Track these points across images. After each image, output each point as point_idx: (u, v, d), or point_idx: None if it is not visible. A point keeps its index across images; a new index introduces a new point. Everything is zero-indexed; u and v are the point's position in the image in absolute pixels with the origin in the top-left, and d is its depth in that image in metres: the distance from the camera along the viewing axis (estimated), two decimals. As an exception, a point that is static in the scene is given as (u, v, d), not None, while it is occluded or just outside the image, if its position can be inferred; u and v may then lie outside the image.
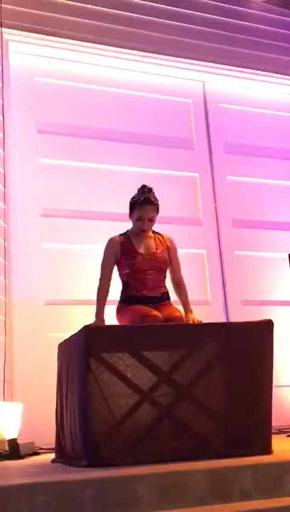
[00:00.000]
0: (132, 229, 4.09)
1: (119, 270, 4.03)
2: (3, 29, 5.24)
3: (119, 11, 5.71)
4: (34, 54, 5.45)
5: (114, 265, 4.04)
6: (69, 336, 3.62)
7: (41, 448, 4.44)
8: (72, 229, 5.27)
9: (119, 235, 4.08)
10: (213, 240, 5.79)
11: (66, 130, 5.45)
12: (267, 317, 3.61)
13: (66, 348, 3.68)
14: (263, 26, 6.33)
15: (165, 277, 4.08)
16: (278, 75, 6.30)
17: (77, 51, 5.57)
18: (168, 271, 4.12)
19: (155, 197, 4.04)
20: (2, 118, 5.16)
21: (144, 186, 4.06)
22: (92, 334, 3.26)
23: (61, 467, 3.42)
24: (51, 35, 5.44)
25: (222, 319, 5.44)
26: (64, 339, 3.78)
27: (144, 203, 3.99)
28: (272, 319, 3.50)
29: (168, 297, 4.06)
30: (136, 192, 4.07)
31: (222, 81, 6.16)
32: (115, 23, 5.66)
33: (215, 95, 6.14)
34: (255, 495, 2.72)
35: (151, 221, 4.04)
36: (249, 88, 6.29)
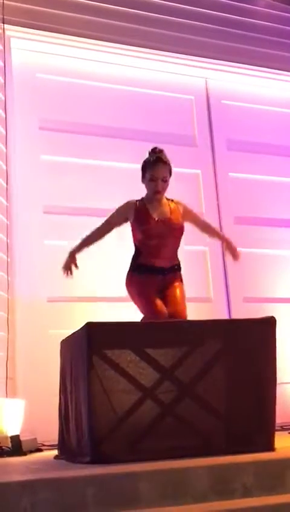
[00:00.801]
0: (146, 195, 4.03)
1: (133, 236, 4.00)
2: (6, 26, 5.25)
3: (122, 7, 5.70)
4: (36, 51, 5.46)
5: (117, 225, 4.03)
6: (71, 333, 3.61)
7: (43, 445, 4.45)
8: (74, 226, 5.24)
9: (137, 200, 4.03)
10: (215, 238, 5.78)
11: (68, 127, 5.45)
12: (270, 315, 3.61)
13: (68, 345, 3.68)
14: (266, 23, 6.32)
15: (178, 247, 4.04)
16: (281, 72, 6.30)
17: (79, 47, 5.58)
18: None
19: (167, 157, 3.98)
20: (4, 115, 5.16)
21: (155, 148, 4.01)
22: (95, 330, 3.25)
23: (63, 463, 3.42)
24: (53, 32, 5.44)
25: (224, 316, 5.44)
26: (67, 335, 3.78)
27: (156, 162, 3.94)
28: (274, 316, 3.50)
29: (180, 269, 4.03)
30: (147, 155, 4.02)
31: (224, 78, 6.16)
32: (117, 20, 5.65)
33: (218, 91, 6.14)
34: (257, 492, 2.71)
35: (165, 181, 3.97)
36: (252, 85, 6.29)
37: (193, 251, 5.24)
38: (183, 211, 4.06)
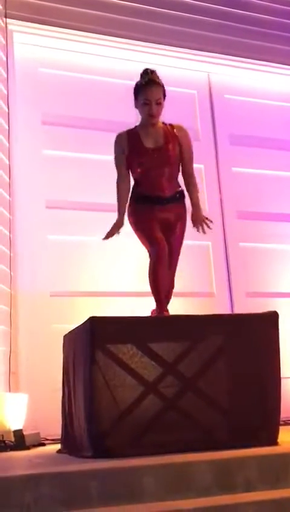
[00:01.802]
0: (140, 122, 3.91)
1: (128, 166, 3.89)
2: (8, 20, 5.25)
3: (124, 1, 5.69)
4: (38, 45, 5.45)
5: (125, 161, 3.91)
6: (74, 327, 3.62)
7: (46, 439, 4.46)
8: (77, 221, 5.26)
9: (127, 130, 3.91)
10: (218, 232, 5.77)
11: (70, 121, 5.45)
12: (272, 309, 3.61)
13: (71, 339, 3.68)
14: (269, 17, 6.29)
15: (178, 172, 3.91)
16: (285, 66, 6.28)
17: (82, 41, 5.56)
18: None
19: (160, 78, 3.82)
20: (6, 109, 5.16)
21: (146, 69, 3.86)
22: (98, 325, 3.26)
23: (66, 457, 3.43)
24: (56, 26, 5.43)
25: (226, 310, 5.43)
26: (70, 330, 3.78)
27: (149, 83, 3.78)
28: (277, 311, 3.50)
29: (183, 196, 3.92)
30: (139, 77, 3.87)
31: (227, 72, 6.14)
32: (119, 14, 5.64)
33: (221, 86, 6.12)
34: (260, 486, 2.71)
35: (159, 104, 3.79)
36: (255, 79, 6.28)
37: (195, 246, 5.22)
38: (180, 136, 3.88)
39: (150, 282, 3.77)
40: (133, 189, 3.93)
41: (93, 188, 5.33)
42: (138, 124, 3.95)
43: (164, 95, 3.83)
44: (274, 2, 6.37)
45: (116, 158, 3.93)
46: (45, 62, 5.46)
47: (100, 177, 5.38)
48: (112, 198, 5.27)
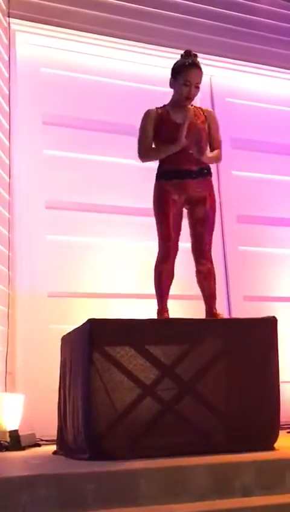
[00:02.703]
0: (171, 100, 3.89)
1: (156, 141, 3.84)
2: (11, 20, 5.24)
3: (127, 3, 5.69)
4: (41, 45, 5.44)
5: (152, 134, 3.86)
6: (72, 329, 3.61)
7: (42, 440, 4.45)
8: (76, 222, 5.26)
9: (156, 107, 3.90)
10: (217, 235, 5.74)
11: (71, 121, 5.45)
12: (270, 313, 3.61)
13: (69, 341, 3.68)
14: (271, 21, 6.31)
15: (206, 149, 3.85)
16: (286, 71, 6.29)
17: (84, 42, 5.56)
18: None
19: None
20: (8, 109, 5.16)
21: (188, 51, 3.86)
22: (97, 327, 3.25)
23: (63, 459, 3.42)
24: (58, 26, 5.44)
25: (224, 314, 5.43)
26: (67, 331, 3.78)
27: (192, 65, 3.79)
28: (275, 316, 3.50)
29: (210, 173, 3.89)
30: (180, 58, 3.87)
31: (228, 76, 6.14)
32: (122, 15, 5.65)
33: (222, 89, 6.12)
34: (256, 491, 2.71)
35: (197, 88, 3.81)
36: (257, 83, 6.29)
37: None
38: (209, 117, 3.90)
39: (154, 278, 3.82)
40: (158, 167, 3.87)
41: (93, 189, 5.34)
42: (165, 104, 3.91)
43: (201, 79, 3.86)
44: (277, 7, 6.38)
45: (142, 130, 3.86)
46: (47, 62, 5.46)
47: (100, 178, 5.39)
48: (112, 200, 5.31)
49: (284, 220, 6.01)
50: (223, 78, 6.13)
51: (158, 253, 3.83)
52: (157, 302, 3.81)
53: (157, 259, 3.83)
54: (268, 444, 3.23)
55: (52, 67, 5.47)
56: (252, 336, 3.40)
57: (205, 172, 3.85)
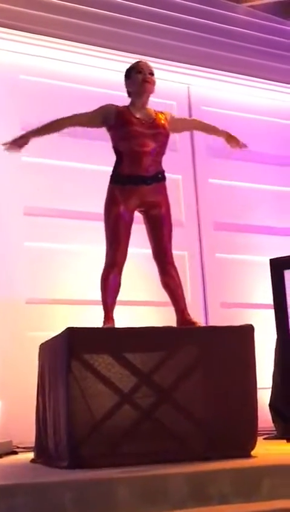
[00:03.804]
0: (130, 101, 3.82)
1: (113, 140, 3.77)
2: (-10, 27, 5.21)
3: (106, 11, 5.70)
4: (20, 52, 5.42)
5: (84, 124, 3.88)
6: (51, 337, 3.60)
7: (19, 447, 4.42)
8: (55, 228, 5.25)
9: (116, 105, 3.80)
10: (194, 242, 5.82)
11: (50, 128, 5.43)
12: (247, 320, 3.64)
13: (48, 349, 3.66)
14: (248, 31, 6.36)
15: (163, 154, 3.78)
16: (263, 81, 6.36)
17: (63, 50, 5.56)
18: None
19: None
20: (-14, 116, 5.13)
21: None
22: (75, 335, 3.25)
23: (41, 467, 3.40)
24: (37, 34, 5.41)
25: (201, 320, 5.45)
26: (46, 338, 3.76)
27: (140, 61, 3.88)
28: (252, 323, 3.52)
29: (164, 178, 3.81)
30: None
31: (206, 85, 6.19)
32: (101, 24, 5.65)
33: (200, 98, 6.16)
34: (233, 499, 2.71)
35: (152, 74, 3.78)
36: (234, 92, 6.34)
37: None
38: (170, 120, 3.85)
39: (101, 286, 3.68)
40: (114, 169, 3.78)
41: (72, 195, 5.34)
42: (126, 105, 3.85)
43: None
44: (254, 17, 6.44)
45: (86, 113, 3.82)
46: (26, 69, 5.44)
47: (79, 185, 5.39)
48: (91, 206, 5.28)
49: (261, 228, 6.06)
50: (201, 87, 6.17)
51: (106, 259, 3.70)
52: (104, 310, 3.64)
53: (104, 267, 3.69)
54: (246, 451, 3.24)
55: (31, 75, 5.46)
56: (230, 343, 3.41)
57: (159, 178, 3.78)
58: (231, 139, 4.07)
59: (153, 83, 3.81)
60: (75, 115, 3.87)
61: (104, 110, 3.79)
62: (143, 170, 3.70)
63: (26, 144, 3.88)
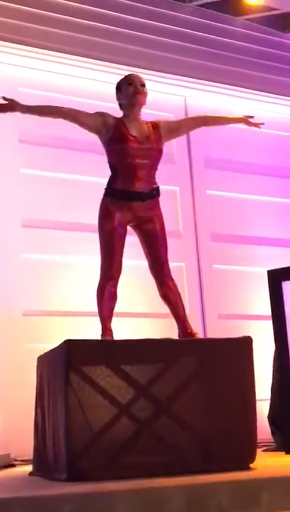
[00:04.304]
0: (123, 113, 3.83)
1: (108, 154, 3.78)
2: (-12, 40, 5.25)
3: (104, 24, 5.74)
4: (18, 65, 5.47)
5: (83, 124, 3.83)
6: (48, 349, 3.60)
7: (17, 460, 4.42)
8: (52, 240, 5.27)
9: (113, 116, 3.79)
10: (192, 253, 5.84)
11: (48, 140, 5.46)
12: (245, 331, 3.65)
13: (46, 361, 3.65)
14: (244, 44, 6.42)
15: (156, 169, 3.81)
16: (258, 93, 6.40)
17: (60, 63, 5.62)
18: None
19: None
20: (-16, 128, 5.15)
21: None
22: (74, 348, 3.24)
23: (39, 480, 3.39)
24: (34, 47, 5.46)
25: (199, 332, 5.45)
26: (43, 349, 3.75)
27: (131, 74, 3.91)
28: (250, 335, 3.52)
29: (158, 194, 3.82)
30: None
31: (203, 97, 6.23)
32: (98, 37, 5.70)
33: (197, 109, 6.15)
34: (232, 511, 2.72)
35: (143, 86, 3.78)
36: (230, 104, 6.34)
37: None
38: (164, 127, 3.83)
39: (97, 299, 3.68)
40: (108, 183, 3.78)
41: (70, 207, 5.36)
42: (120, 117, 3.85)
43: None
44: (250, 30, 6.49)
45: (89, 114, 3.82)
46: (25, 82, 5.47)
47: (77, 197, 5.41)
48: (89, 218, 5.30)
49: (259, 239, 6.08)
50: (198, 99, 6.21)
51: (101, 272, 3.69)
52: (101, 323, 3.64)
53: (100, 280, 3.68)
54: (244, 463, 3.23)
55: (29, 87, 5.48)
56: (228, 355, 3.41)
57: (154, 194, 3.79)
58: (247, 121, 4.19)
59: (144, 94, 3.81)
60: (75, 109, 3.88)
61: (104, 119, 3.78)
62: (137, 186, 3.72)
63: (12, 110, 3.87)
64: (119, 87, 3.88)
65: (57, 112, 3.95)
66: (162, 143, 3.83)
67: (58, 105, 3.95)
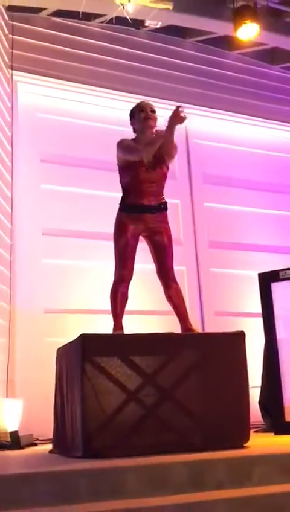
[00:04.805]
0: (136, 137, 3.82)
1: (121, 177, 3.82)
2: (14, 72, 5.29)
3: (115, 58, 5.78)
4: (38, 94, 5.51)
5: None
6: (67, 342, 3.61)
7: (38, 440, 4.43)
8: (69, 247, 5.30)
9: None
10: (192, 259, 5.85)
11: (65, 160, 5.50)
12: (238, 327, 3.65)
13: (64, 352, 3.67)
14: (237, 74, 6.44)
15: (163, 187, 3.82)
16: (248, 117, 6.42)
17: (75, 91, 5.66)
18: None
19: None
20: (10, 149, 5.19)
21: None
22: (88, 341, 3.26)
23: (58, 457, 3.40)
24: (53, 78, 5.51)
25: (198, 327, 5.45)
26: (61, 343, 3.76)
27: (142, 101, 3.90)
28: (243, 330, 3.52)
29: (166, 208, 3.82)
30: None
31: (201, 121, 6.23)
32: (110, 69, 5.74)
33: (196, 133, 6.21)
34: (227, 485, 2.70)
35: (153, 112, 3.81)
36: (225, 128, 6.42)
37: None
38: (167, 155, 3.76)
39: (110, 298, 3.72)
40: (121, 200, 3.81)
41: (85, 218, 5.38)
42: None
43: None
44: (243, 62, 6.51)
45: (129, 146, 3.74)
46: (44, 108, 5.52)
47: (90, 209, 5.42)
48: (100, 227, 5.33)
49: (250, 246, 6.08)
50: (196, 124, 6.21)
51: (115, 276, 3.74)
52: (113, 320, 3.68)
53: (113, 281, 3.73)
54: (239, 443, 3.24)
55: (48, 113, 5.53)
56: (224, 348, 3.41)
57: (162, 208, 3.82)
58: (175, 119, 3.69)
59: (154, 119, 3.85)
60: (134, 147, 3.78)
61: (127, 141, 3.81)
62: (148, 201, 3.76)
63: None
64: (132, 113, 3.90)
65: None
66: (166, 164, 3.84)
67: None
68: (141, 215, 3.75)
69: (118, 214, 3.82)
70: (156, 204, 3.78)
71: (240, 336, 3.46)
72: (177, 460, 2.80)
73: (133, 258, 3.76)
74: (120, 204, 3.82)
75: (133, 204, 3.76)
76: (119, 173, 3.85)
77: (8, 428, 4.21)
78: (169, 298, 3.82)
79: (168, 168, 3.87)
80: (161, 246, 3.80)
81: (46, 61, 5.46)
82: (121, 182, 3.86)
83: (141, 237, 3.84)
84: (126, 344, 3.37)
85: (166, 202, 3.87)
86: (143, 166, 3.74)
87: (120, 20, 5.38)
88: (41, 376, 4.57)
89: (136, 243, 3.79)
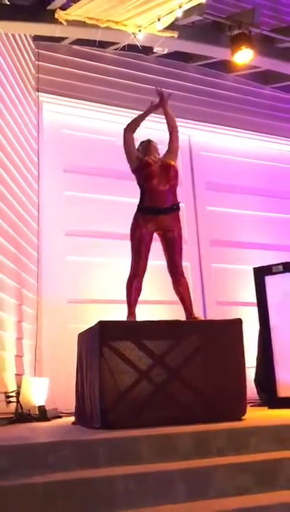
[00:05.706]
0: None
1: (137, 180, 3.80)
2: (40, 93, 5.30)
3: (127, 80, 5.77)
4: (62, 112, 5.52)
5: (133, 150, 3.79)
6: (86, 328, 3.61)
7: (62, 413, 4.44)
8: (89, 246, 5.30)
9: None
10: (195, 255, 5.83)
11: (85, 170, 5.51)
12: (236, 315, 3.62)
13: (84, 337, 3.67)
14: (234, 94, 6.41)
15: (176, 186, 3.79)
16: (243, 131, 6.39)
17: (93, 110, 5.68)
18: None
19: None
20: (37, 160, 5.19)
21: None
22: (105, 327, 3.25)
23: (79, 428, 3.40)
24: (73, 98, 5.52)
25: (201, 315, 5.44)
26: (82, 328, 3.76)
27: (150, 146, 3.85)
28: (240, 317, 3.50)
29: (179, 208, 3.80)
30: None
31: (203, 135, 6.22)
32: (121, 90, 5.74)
33: (199, 145, 6.21)
34: (228, 452, 2.70)
35: (157, 155, 3.83)
36: (225, 140, 6.39)
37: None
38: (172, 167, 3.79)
39: (126, 289, 3.72)
40: (139, 202, 3.79)
41: (102, 220, 5.38)
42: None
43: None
44: (240, 83, 6.48)
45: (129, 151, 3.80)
46: (67, 125, 5.53)
47: (107, 212, 5.42)
48: (116, 229, 5.33)
49: (247, 244, 6.06)
50: (199, 137, 6.21)
51: (130, 270, 3.75)
52: (128, 308, 3.70)
53: (129, 275, 3.74)
54: (237, 415, 3.22)
55: (69, 129, 5.54)
56: (224, 333, 3.40)
57: (174, 208, 3.79)
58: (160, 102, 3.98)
59: (154, 160, 3.78)
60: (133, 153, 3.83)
61: (137, 153, 3.83)
62: (162, 203, 3.73)
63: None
64: (141, 146, 3.87)
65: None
66: (176, 165, 3.84)
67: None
68: (156, 216, 3.74)
69: (135, 214, 3.80)
70: (170, 205, 3.76)
71: (237, 323, 3.45)
72: (183, 431, 2.79)
73: (147, 254, 3.75)
74: (138, 205, 3.80)
75: (148, 206, 3.74)
76: (137, 174, 3.81)
77: (36, 403, 4.22)
78: (177, 291, 3.82)
79: (176, 172, 3.80)
80: (171, 243, 3.79)
81: (67, 83, 5.47)
82: (137, 181, 3.83)
83: (155, 235, 3.82)
84: (138, 330, 3.37)
85: (179, 203, 3.84)
86: (155, 162, 3.71)
87: (132, 48, 5.36)
88: (65, 357, 4.58)
89: (151, 241, 3.79)
